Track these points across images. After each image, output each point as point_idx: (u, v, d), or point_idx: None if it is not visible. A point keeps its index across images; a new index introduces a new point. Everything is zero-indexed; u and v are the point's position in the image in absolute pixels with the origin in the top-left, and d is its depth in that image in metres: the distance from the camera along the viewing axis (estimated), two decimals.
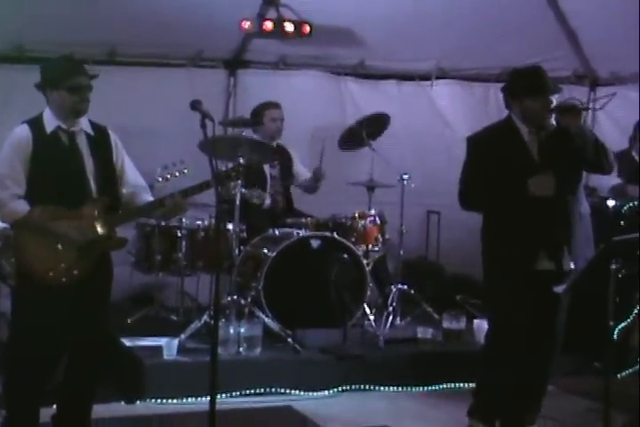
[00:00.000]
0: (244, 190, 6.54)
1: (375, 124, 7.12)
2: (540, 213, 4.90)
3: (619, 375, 6.35)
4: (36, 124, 4.62)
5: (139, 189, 4.86)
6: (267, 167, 7.27)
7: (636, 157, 7.40)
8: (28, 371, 4.60)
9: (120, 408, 5.57)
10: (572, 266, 5.01)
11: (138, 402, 5.68)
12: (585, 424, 5.19)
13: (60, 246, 4.57)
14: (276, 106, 7.25)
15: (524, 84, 5.00)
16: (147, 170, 5.13)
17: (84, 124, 4.70)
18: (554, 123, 4.94)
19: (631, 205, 6.76)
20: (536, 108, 4.92)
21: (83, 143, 4.67)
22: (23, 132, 4.59)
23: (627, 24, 7.25)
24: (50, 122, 4.62)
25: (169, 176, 4.99)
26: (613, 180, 7.34)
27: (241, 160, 6.22)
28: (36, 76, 4.66)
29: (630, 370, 6.57)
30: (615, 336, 6.07)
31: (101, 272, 4.74)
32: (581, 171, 5.16)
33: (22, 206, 4.53)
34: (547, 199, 4.86)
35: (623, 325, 6.53)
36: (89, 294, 4.66)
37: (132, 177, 4.85)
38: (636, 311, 6.61)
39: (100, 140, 4.74)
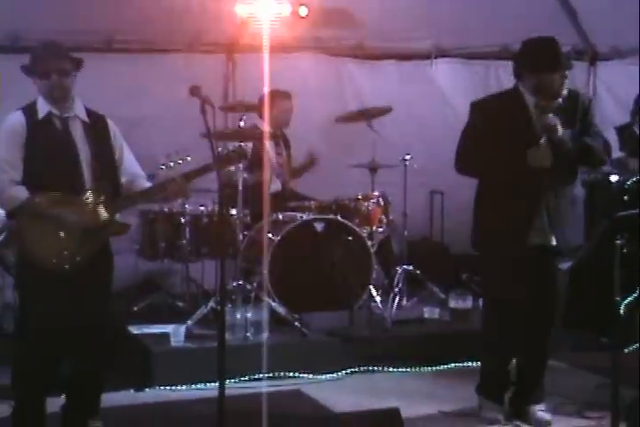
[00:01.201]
0: (247, 175, 6.55)
1: (377, 114, 7.10)
2: (533, 188, 4.91)
3: (626, 350, 6.36)
4: (29, 110, 4.63)
5: (137, 177, 4.87)
6: (273, 155, 7.28)
7: (637, 132, 7.38)
8: (35, 361, 4.62)
9: (129, 396, 5.60)
10: (555, 243, 5.02)
11: (147, 389, 5.71)
12: (595, 400, 5.19)
13: (62, 233, 4.57)
14: (287, 96, 7.27)
15: (536, 57, 4.92)
16: (149, 158, 5.14)
17: (78, 110, 4.69)
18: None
19: (634, 179, 6.74)
20: (549, 82, 4.87)
21: (77, 129, 4.67)
22: (17, 118, 4.61)
23: None
24: (42, 108, 4.62)
25: (172, 164, 4.99)
26: (615, 153, 7.33)
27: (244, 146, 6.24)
28: None
29: (638, 344, 6.59)
30: (622, 311, 6.08)
31: (102, 260, 4.75)
32: (584, 157, 5.11)
33: (22, 192, 4.53)
34: (542, 175, 4.86)
35: (629, 300, 6.53)
36: (92, 282, 4.67)
37: (130, 166, 4.86)
38: None
39: (96, 127, 4.73)
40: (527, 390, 5.24)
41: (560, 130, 4.81)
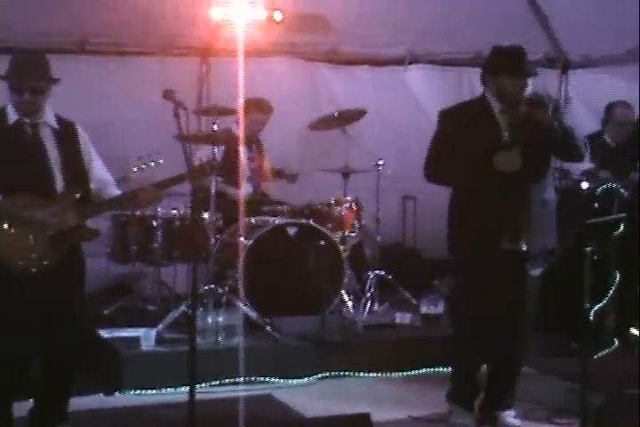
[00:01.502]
0: (219, 179, 6.55)
1: (351, 117, 7.11)
2: (504, 193, 4.96)
3: (596, 356, 6.40)
4: None
5: (106, 184, 4.88)
6: (245, 160, 7.28)
7: (608, 141, 7.43)
8: (1, 364, 4.58)
9: (98, 400, 5.58)
10: (525, 248, 5.07)
11: (116, 393, 5.68)
12: (564, 406, 5.22)
13: (30, 236, 4.56)
14: (267, 110, 7.26)
15: (501, 63, 5.03)
16: (122, 161, 5.14)
17: (48, 117, 4.69)
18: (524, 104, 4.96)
19: (605, 187, 6.79)
20: (509, 88, 4.96)
21: (47, 136, 4.67)
22: None
23: (598, 7, 7.28)
24: (12, 114, 4.62)
25: (144, 167, 5.00)
26: (586, 163, 7.37)
27: (215, 149, 6.25)
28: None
29: (607, 350, 6.64)
30: (591, 317, 6.12)
31: (73, 264, 4.73)
32: (549, 157, 5.21)
33: None
34: (511, 179, 4.91)
35: (599, 306, 6.57)
36: (61, 285, 4.65)
37: (99, 173, 4.86)
38: (611, 293, 6.66)
39: (66, 134, 4.73)
40: (498, 396, 5.26)
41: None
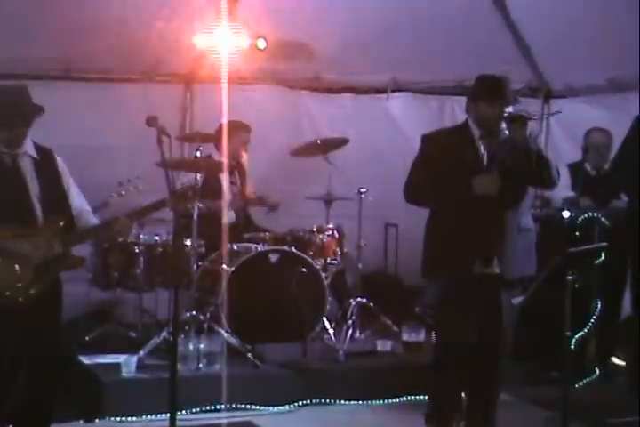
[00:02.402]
0: (201, 205, 6.56)
1: (333, 145, 7.14)
2: (480, 216, 5.01)
3: (576, 385, 6.41)
4: None
5: (82, 212, 4.88)
6: (227, 185, 7.28)
7: (589, 169, 7.48)
8: None
9: None
10: (498, 271, 5.10)
11: (97, 420, 5.64)
12: None
13: (16, 266, 4.55)
14: (245, 130, 7.28)
15: (482, 90, 5.16)
16: (103, 186, 5.14)
17: (27, 146, 4.68)
18: (506, 131, 5.06)
19: (586, 216, 6.83)
20: (489, 114, 5.08)
21: (26, 165, 4.67)
22: None
23: (580, 38, 7.34)
24: None
25: (124, 193, 5.02)
26: (567, 192, 7.42)
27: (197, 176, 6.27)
28: None
29: (588, 379, 6.65)
30: (572, 346, 6.13)
31: (52, 291, 4.73)
32: (526, 184, 5.27)
33: None
34: (488, 204, 4.98)
35: (580, 334, 6.59)
36: (42, 313, 4.64)
37: (76, 200, 4.86)
38: (592, 321, 6.68)
39: (44, 162, 4.74)
40: (478, 424, 5.27)
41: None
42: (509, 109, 5.06)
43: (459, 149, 5.12)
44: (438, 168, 5.08)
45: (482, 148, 5.13)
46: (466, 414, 5.32)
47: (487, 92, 5.12)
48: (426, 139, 5.29)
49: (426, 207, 5.31)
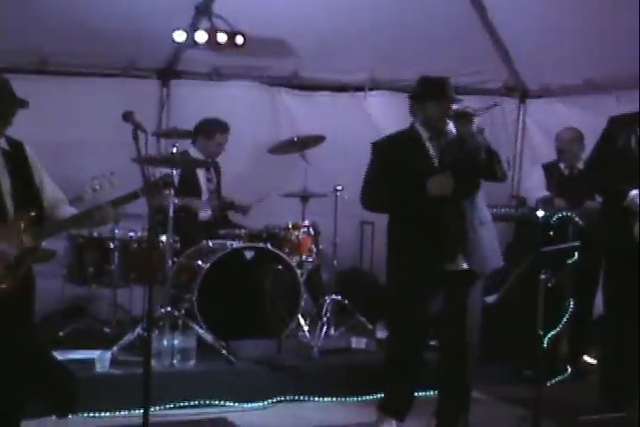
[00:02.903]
0: (176, 200, 6.56)
1: (310, 142, 7.15)
2: (438, 216, 5.13)
3: (548, 383, 6.45)
4: None
5: (58, 202, 4.85)
6: (203, 182, 7.30)
7: (563, 169, 7.53)
8: None
9: (51, 423, 5.53)
10: (466, 266, 5.19)
11: (70, 416, 5.63)
12: None
13: None
14: (226, 129, 7.28)
15: (427, 91, 5.27)
16: (78, 181, 5.13)
17: None
18: (453, 130, 5.19)
19: (560, 215, 6.87)
20: (435, 114, 5.19)
21: None
22: None
23: (556, 38, 7.39)
24: None
25: (98, 187, 5.01)
26: (542, 192, 7.47)
27: (174, 171, 6.27)
28: None
29: (560, 377, 6.69)
30: (545, 345, 6.17)
31: (25, 286, 4.70)
32: (479, 179, 5.34)
33: None
34: (445, 203, 5.09)
35: (552, 333, 6.63)
36: (14, 308, 4.61)
37: (52, 192, 4.84)
38: (564, 320, 6.72)
39: (15, 155, 4.70)
40: (450, 422, 5.32)
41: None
42: (454, 107, 5.17)
43: (409, 153, 5.25)
44: (391, 174, 5.21)
45: (431, 149, 5.24)
46: (438, 413, 5.37)
47: (432, 92, 5.23)
48: (376, 147, 5.42)
49: (383, 213, 5.46)
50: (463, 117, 5.13)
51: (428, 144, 5.25)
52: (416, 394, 5.67)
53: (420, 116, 5.29)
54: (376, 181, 5.30)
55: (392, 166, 5.25)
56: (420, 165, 5.19)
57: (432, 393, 5.94)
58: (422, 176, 5.11)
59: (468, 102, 5.35)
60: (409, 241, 5.26)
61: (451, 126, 5.18)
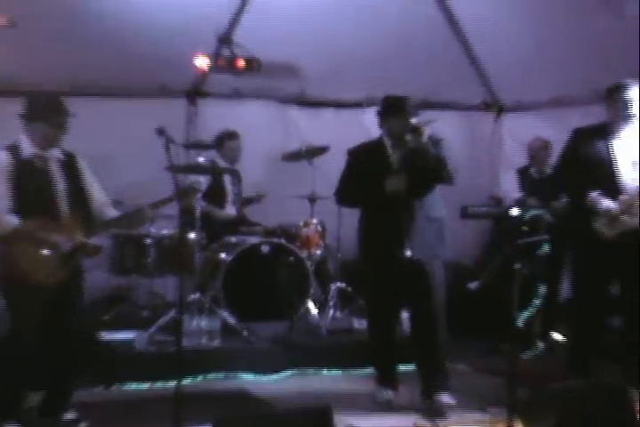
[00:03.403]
0: (203, 204, 6.60)
1: (316, 152, 7.17)
2: (393, 212, 5.29)
3: (523, 356, 6.47)
4: (13, 150, 4.64)
5: (103, 204, 4.93)
6: (229, 186, 7.32)
7: (533, 173, 7.55)
8: (21, 353, 4.62)
9: (100, 392, 5.59)
10: (410, 254, 5.29)
11: (115, 386, 5.69)
12: (496, 398, 5.26)
13: (46, 253, 4.59)
14: (232, 137, 7.30)
15: (389, 108, 5.46)
16: (119, 188, 5.17)
17: (55, 150, 4.73)
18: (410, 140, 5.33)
19: (532, 213, 6.89)
20: (395, 127, 5.39)
21: (54, 166, 4.72)
22: (2, 157, 4.60)
23: (527, 62, 7.38)
24: (26, 149, 4.65)
25: (136, 193, 5.07)
26: (516, 193, 7.49)
27: (203, 178, 6.32)
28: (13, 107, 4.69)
29: (532, 352, 6.71)
30: (519, 324, 6.21)
31: (76, 275, 4.79)
32: (429, 181, 5.47)
33: (12, 220, 4.56)
34: (398, 201, 5.27)
35: (526, 314, 6.65)
36: (65, 293, 4.70)
37: (99, 195, 4.92)
38: (536, 302, 6.74)
39: (69, 164, 4.79)
40: (431, 381, 5.44)
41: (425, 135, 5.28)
42: (412, 121, 5.30)
43: (375, 157, 5.45)
44: (360, 175, 5.43)
45: (393, 156, 5.42)
46: (420, 374, 5.53)
47: (392, 109, 5.41)
48: (349, 153, 5.62)
49: (353, 208, 5.65)
50: (416, 131, 5.28)
51: (390, 151, 5.45)
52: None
53: (385, 129, 5.48)
54: (347, 180, 5.54)
55: (360, 169, 5.48)
56: (382, 168, 5.38)
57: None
58: (383, 177, 5.30)
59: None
60: (370, 231, 5.50)
61: (409, 136, 5.30)
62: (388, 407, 5.43)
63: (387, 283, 5.46)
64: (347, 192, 5.57)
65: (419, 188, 5.42)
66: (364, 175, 5.42)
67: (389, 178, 5.30)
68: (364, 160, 5.51)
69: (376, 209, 5.43)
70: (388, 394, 5.56)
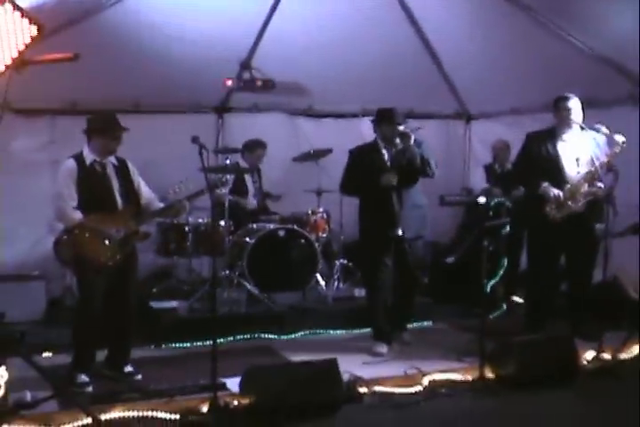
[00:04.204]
0: (231, 197, 6.63)
1: (321, 154, 7.18)
2: (387, 199, 5.43)
3: (490, 316, 6.50)
4: (78, 158, 4.72)
5: (151, 200, 4.97)
6: (250, 183, 7.34)
7: (497, 168, 7.57)
8: (90, 320, 4.69)
9: (151, 350, 5.64)
10: (400, 233, 5.48)
11: (163, 346, 5.74)
12: (469, 350, 5.29)
13: (106, 241, 4.64)
14: (263, 146, 7.30)
15: (381, 118, 5.57)
16: (163, 185, 5.19)
17: (110, 157, 4.77)
18: (400, 143, 5.52)
19: (496, 201, 6.91)
20: (387, 133, 5.53)
21: (110, 171, 4.78)
22: (71, 163, 4.69)
23: (491, 77, 7.36)
24: (88, 156, 4.72)
25: (177, 189, 5.10)
26: (483, 184, 7.50)
27: (228, 176, 6.34)
28: (82, 124, 4.75)
29: (497, 312, 6.74)
30: (487, 290, 6.25)
31: (132, 257, 4.84)
32: (415, 176, 5.61)
33: (78, 214, 4.61)
34: (391, 191, 5.42)
35: (492, 282, 6.67)
36: (123, 272, 4.76)
37: (146, 192, 4.96)
38: (500, 273, 6.77)
39: (121, 167, 4.84)
40: (400, 321, 5.83)
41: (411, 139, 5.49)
42: (401, 128, 5.48)
43: (371, 157, 5.55)
44: (359, 171, 5.55)
45: (386, 155, 5.54)
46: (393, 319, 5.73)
47: (384, 118, 5.53)
48: (351, 152, 5.72)
49: (354, 197, 5.76)
50: (404, 135, 5.46)
51: (383, 152, 5.54)
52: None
53: (378, 134, 5.58)
54: (349, 174, 5.64)
55: (359, 165, 5.57)
56: (377, 165, 5.50)
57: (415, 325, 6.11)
58: (378, 173, 5.44)
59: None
60: (368, 215, 5.60)
61: (398, 140, 5.48)
62: (382, 359, 5.44)
63: (381, 256, 5.55)
64: (348, 184, 5.66)
65: (407, 181, 5.52)
66: (362, 170, 5.52)
67: (383, 175, 5.41)
68: (362, 158, 5.60)
69: (372, 198, 5.52)
70: (382, 347, 5.60)
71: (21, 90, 3.84)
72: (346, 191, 5.81)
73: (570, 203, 5.55)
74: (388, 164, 5.52)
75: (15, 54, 3.53)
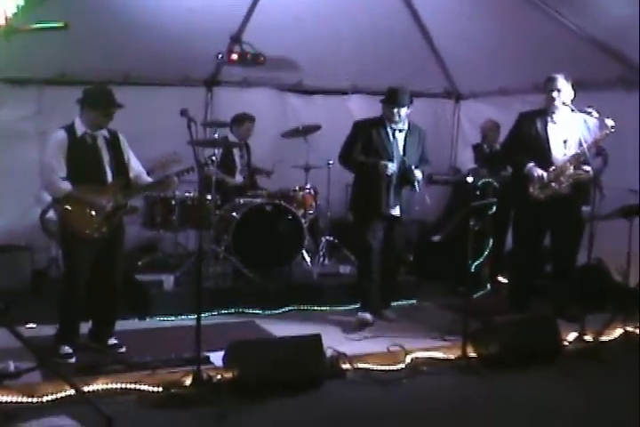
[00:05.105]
0: (217, 173, 6.58)
1: (310, 130, 7.13)
2: (380, 179, 5.52)
3: (475, 295, 6.54)
4: (69, 129, 4.65)
5: (140, 173, 4.92)
6: (237, 158, 7.29)
7: (485, 148, 7.56)
8: (75, 292, 4.67)
9: (134, 323, 5.63)
10: (398, 213, 5.64)
11: (147, 319, 5.73)
12: (452, 329, 5.32)
13: (94, 213, 4.60)
14: (251, 119, 7.23)
15: (387, 97, 5.59)
16: (150, 159, 5.15)
17: (102, 130, 4.70)
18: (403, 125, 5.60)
19: (484, 181, 6.91)
20: (390, 113, 5.56)
21: (101, 143, 4.72)
22: (61, 134, 4.62)
23: (480, 57, 7.34)
24: (79, 128, 4.66)
25: (165, 163, 5.06)
26: (471, 164, 7.49)
27: (215, 151, 6.28)
28: (75, 95, 4.67)
29: (482, 292, 6.78)
30: (472, 269, 6.27)
31: (118, 230, 4.80)
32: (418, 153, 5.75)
33: (66, 185, 4.57)
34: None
35: (478, 261, 6.70)
36: (111, 244, 4.73)
37: (135, 165, 4.91)
38: (486, 252, 6.79)
39: (113, 140, 4.78)
40: (383, 300, 5.90)
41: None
42: (405, 111, 5.55)
43: (373, 131, 5.59)
44: (359, 144, 5.60)
45: (390, 134, 5.57)
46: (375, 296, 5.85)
47: (387, 99, 5.57)
48: (355, 123, 5.75)
49: (350, 169, 5.80)
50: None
51: (388, 128, 5.58)
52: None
53: (384, 113, 5.59)
54: (350, 145, 5.66)
55: (361, 138, 5.60)
56: (378, 140, 5.57)
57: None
58: (378, 150, 5.52)
59: (417, 102, 5.64)
60: (361, 192, 5.71)
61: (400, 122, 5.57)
62: (366, 335, 5.46)
63: (372, 231, 5.62)
64: (346, 154, 5.70)
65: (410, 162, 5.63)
66: (364, 142, 5.57)
67: (383, 163, 5.48)
68: (365, 131, 5.62)
69: (372, 175, 5.53)
70: (366, 315, 5.68)
71: (9, 59, 3.77)
72: (343, 163, 5.80)
73: (553, 184, 5.56)
74: (391, 140, 5.56)
75: (2, 22, 3.46)
